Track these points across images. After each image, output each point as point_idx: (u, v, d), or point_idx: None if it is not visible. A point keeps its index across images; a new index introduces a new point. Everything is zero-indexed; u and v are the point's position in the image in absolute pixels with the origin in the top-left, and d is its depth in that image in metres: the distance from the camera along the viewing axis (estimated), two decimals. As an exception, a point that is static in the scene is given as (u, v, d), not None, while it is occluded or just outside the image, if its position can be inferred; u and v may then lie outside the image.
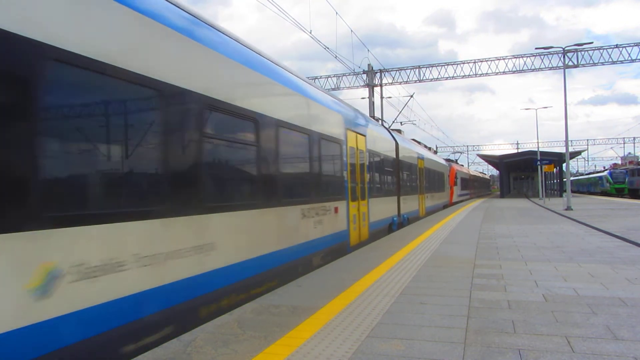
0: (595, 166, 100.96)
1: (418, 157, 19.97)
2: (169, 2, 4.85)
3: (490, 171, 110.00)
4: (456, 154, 63.70)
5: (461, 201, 40.90)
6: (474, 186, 59.33)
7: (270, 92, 6.75)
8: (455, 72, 33.57)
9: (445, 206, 30.06)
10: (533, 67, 32.77)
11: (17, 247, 2.90)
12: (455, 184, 37.50)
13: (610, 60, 30.79)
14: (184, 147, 4.62)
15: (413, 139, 24.89)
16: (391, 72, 34.57)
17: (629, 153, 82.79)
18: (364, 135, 11.56)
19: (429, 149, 28.97)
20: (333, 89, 34.62)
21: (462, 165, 54.01)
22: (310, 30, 19.24)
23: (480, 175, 77.96)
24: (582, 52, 30.87)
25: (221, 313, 4.90)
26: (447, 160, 40.69)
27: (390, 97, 35.40)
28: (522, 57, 32.96)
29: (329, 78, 35.37)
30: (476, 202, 37.86)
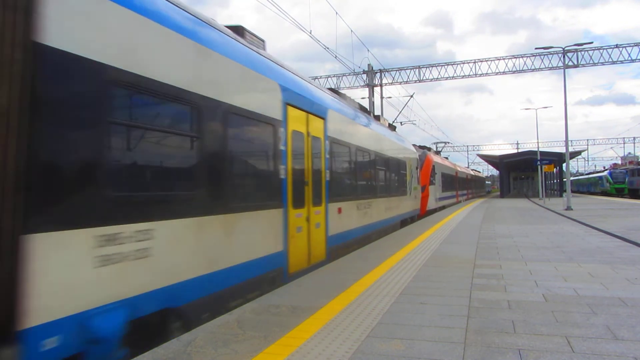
0: (595, 166, 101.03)
1: (309, 113, 8.16)
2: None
3: (490, 171, 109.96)
4: (439, 144, 46.39)
5: (444, 207, 28.62)
6: (465, 186, 45.55)
7: None
8: (455, 72, 33.59)
9: (403, 223, 16.60)
10: (533, 67, 32.80)
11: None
12: (432, 182, 24.62)
13: (610, 60, 30.80)
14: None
15: (333, 90, 12.04)
16: (391, 72, 34.59)
17: (629, 153, 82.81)
18: None
19: (376, 118, 15.48)
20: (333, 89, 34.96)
21: (446, 158, 39.85)
22: (310, 31, 19.25)
23: (474, 172, 63.97)
24: (582, 52, 30.90)
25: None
26: (421, 147, 26.87)
27: (390, 97, 35.44)
28: (522, 57, 32.99)
29: (329, 78, 35.39)
30: (474, 203, 37.62)
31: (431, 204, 23.97)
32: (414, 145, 23.37)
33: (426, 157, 24.27)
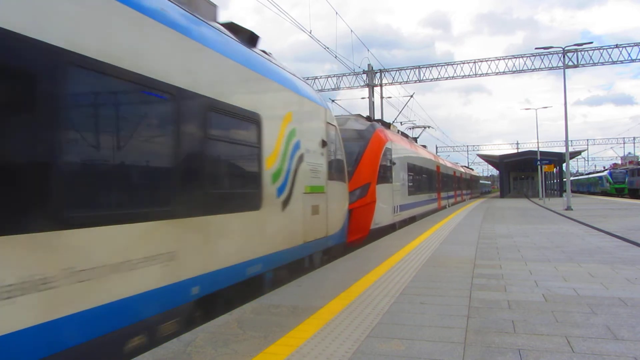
0: (595, 166, 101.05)
1: None
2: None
3: (490, 171, 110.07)
4: (417, 129, 33.00)
5: (414, 219, 18.45)
6: (452, 186, 34.01)
7: None
8: (455, 72, 33.59)
9: (250, 285, 5.99)
10: (533, 68, 32.82)
11: None
12: (387, 179, 14.53)
13: (610, 60, 30.81)
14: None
15: None
16: (391, 72, 34.62)
17: (629, 153, 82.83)
18: None
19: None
20: (333, 89, 34.81)
21: (425, 147, 27.20)
22: (310, 30, 19.24)
23: (464, 169, 49.62)
24: (582, 52, 30.91)
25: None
26: (369, 119, 16.14)
27: (390, 97, 35.47)
28: (522, 57, 33.00)
29: (329, 78, 35.40)
30: (474, 204, 37.53)
31: (383, 215, 13.52)
32: (359, 115, 14.47)
33: (373, 135, 13.63)
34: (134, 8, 4.20)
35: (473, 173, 61.46)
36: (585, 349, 3.59)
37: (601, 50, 30.88)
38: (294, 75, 8.31)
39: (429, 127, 36.04)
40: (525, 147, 79.19)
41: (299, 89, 8.14)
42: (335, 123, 9.93)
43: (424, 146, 27.13)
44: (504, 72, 32.93)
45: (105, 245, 3.68)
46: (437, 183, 25.86)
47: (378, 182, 13.19)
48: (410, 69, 34.34)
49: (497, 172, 71.70)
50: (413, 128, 33.21)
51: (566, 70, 27.39)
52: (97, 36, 3.77)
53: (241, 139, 6.03)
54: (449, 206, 30.37)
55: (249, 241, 5.93)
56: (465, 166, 57.62)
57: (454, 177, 35.40)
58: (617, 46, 30.78)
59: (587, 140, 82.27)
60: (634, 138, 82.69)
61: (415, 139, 27.00)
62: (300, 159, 7.59)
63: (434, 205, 24.26)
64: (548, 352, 3.54)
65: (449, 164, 34.87)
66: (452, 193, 33.56)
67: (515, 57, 32.98)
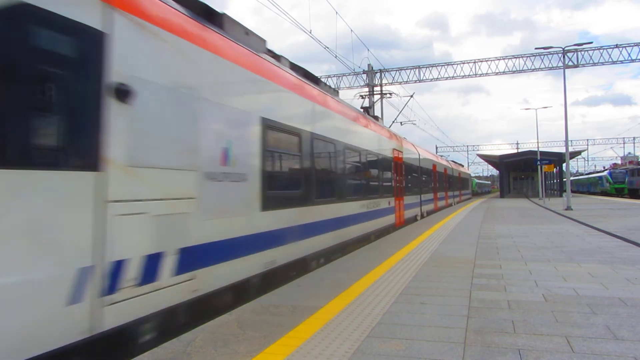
0: (595, 166, 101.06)
1: None
2: None
3: (490, 171, 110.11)
4: (362, 95, 26.26)
5: (304, 260, 7.74)
6: (429, 185, 23.40)
7: None
8: (455, 72, 33.61)
9: None
10: (533, 68, 32.85)
11: None
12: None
13: (610, 60, 30.82)
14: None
15: None
16: (391, 72, 34.64)
17: (629, 153, 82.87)
18: None
19: None
20: (333, 89, 34.77)
21: (377, 119, 15.70)
22: (310, 30, 19.22)
23: (450, 163, 36.58)
24: (582, 52, 30.93)
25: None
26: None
27: (390, 97, 35.48)
28: (522, 57, 33.03)
29: (329, 78, 35.39)
30: (474, 204, 37.47)
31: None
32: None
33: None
34: None
35: (462, 170, 46.23)
36: (585, 349, 3.59)
37: (601, 50, 30.91)
38: None
39: (391, 94, 25.81)
40: (525, 147, 79.18)
41: None
42: None
43: (376, 117, 16.22)
44: (504, 72, 32.96)
45: None
46: (395, 181, 15.47)
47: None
48: (410, 69, 34.39)
49: (497, 172, 71.67)
50: (365, 97, 24.42)
51: (565, 70, 27.40)
52: None
53: None
54: (421, 217, 19.89)
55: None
56: (454, 162, 43.05)
57: (433, 173, 24.49)
58: (617, 46, 30.80)
59: (587, 140, 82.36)
60: (634, 138, 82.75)
61: (366, 109, 18.61)
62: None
63: (386, 220, 13.87)
64: (548, 352, 3.54)
65: (424, 153, 22.82)
66: (430, 196, 23.29)
67: (515, 57, 33.02)
